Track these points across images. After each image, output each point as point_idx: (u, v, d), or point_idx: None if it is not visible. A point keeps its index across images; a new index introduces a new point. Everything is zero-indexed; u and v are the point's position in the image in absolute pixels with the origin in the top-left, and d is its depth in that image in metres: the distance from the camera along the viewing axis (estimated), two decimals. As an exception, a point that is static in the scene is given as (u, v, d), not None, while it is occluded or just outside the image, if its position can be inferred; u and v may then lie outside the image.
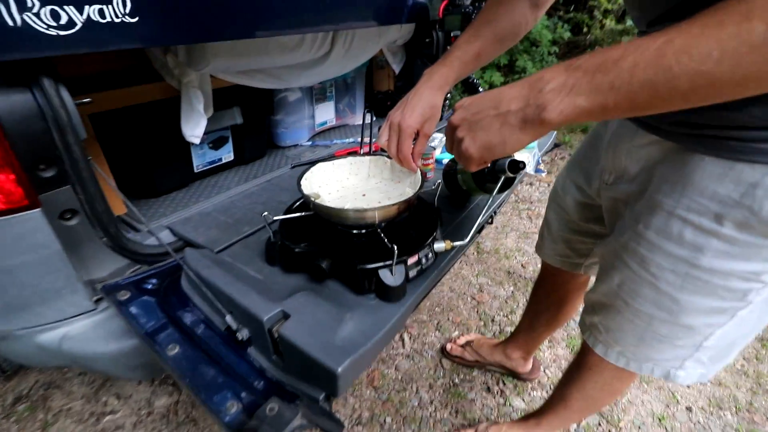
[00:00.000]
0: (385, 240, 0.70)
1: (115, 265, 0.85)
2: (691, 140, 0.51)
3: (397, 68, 1.74)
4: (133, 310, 0.74)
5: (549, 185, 2.66)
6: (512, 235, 2.16)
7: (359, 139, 1.54)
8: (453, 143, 0.54)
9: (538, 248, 1.03)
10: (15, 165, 0.65)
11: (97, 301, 0.83)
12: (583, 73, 0.39)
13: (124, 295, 0.75)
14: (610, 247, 0.66)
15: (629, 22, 4.37)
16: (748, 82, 0.34)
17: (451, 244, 0.78)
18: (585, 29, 4.66)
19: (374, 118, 1.81)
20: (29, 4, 0.59)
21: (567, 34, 4.07)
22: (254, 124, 1.28)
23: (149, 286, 0.79)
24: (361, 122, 1.78)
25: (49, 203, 0.71)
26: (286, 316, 0.64)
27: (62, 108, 0.67)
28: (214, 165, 1.23)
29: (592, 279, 0.97)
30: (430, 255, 0.76)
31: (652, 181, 0.58)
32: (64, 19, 0.62)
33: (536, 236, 2.13)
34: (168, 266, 0.85)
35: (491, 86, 3.85)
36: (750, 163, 0.46)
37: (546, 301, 1.11)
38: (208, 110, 1.04)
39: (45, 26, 0.61)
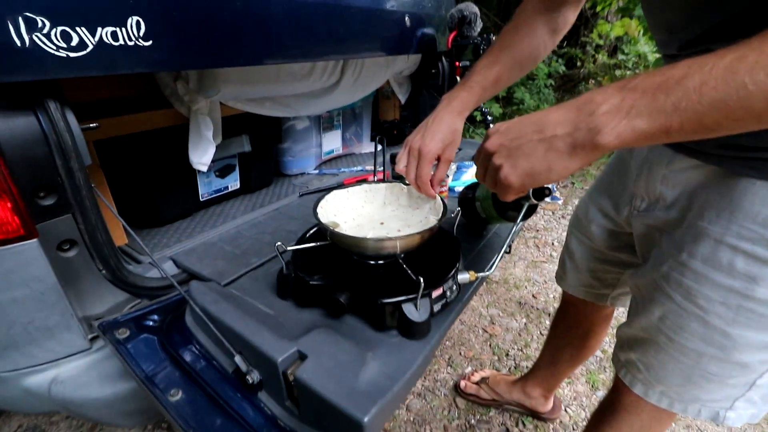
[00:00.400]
0: (409, 272, 0.65)
1: (114, 299, 0.79)
2: (740, 163, 0.48)
3: (403, 98, 1.74)
4: (132, 349, 0.68)
5: (553, 213, 2.63)
6: (520, 264, 2.11)
7: (366, 167, 1.52)
8: (487, 171, 0.50)
9: (559, 279, 0.98)
10: (13, 192, 0.61)
11: (93, 339, 0.77)
12: (642, 94, 0.36)
13: (122, 334, 0.69)
14: (648, 278, 0.62)
15: (621, 57, 4.50)
16: None
17: (476, 275, 0.73)
18: (579, 63, 4.80)
19: (384, 147, 1.80)
20: (39, 25, 0.56)
21: (562, 68, 4.19)
22: (262, 152, 1.25)
23: (150, 323, 0.73)
24: (367, 151, 1.76)
25: (47, 233, 0.66)
26: (302, 356, 0.58)
27: (67, 132, 0.64)
28: (220, 193, 1.19)
29: (619, 311, 0.92)
30: (454, 287, 0.71)
31: (694, 207, 0.54)
32: (75, 41, 0.59)
33: (545, 265, 2.10)
34: (171, 301, 0.79)
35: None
36: None
37: (568, 335, 1.05)
38: (217, 138, 1.01)
39: (54, 47, 0.58)
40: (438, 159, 0.72)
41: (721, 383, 0.57)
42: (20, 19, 0.55)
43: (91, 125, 0.73)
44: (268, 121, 1.23)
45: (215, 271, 0.82)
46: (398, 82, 1.69)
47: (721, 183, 0.50)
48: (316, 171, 1.51)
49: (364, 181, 1.30)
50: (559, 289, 0.98)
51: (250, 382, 0.61)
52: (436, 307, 0.68)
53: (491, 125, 1.31)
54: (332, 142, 1.59)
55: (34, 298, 0.66)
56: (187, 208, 1.11)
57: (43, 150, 0.63)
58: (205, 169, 0.99)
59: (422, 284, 0.62)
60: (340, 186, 1.10)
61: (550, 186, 0.78)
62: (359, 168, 1.51)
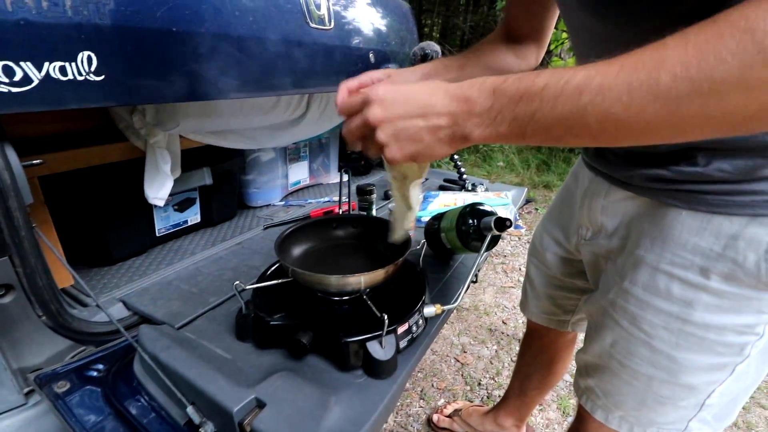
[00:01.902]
0: (373, 308, 0.64)
1: (55, 348, 0.73)
2: (666, 195, 0.51)
3: (369, 129, 1.77)
4: (73, 404, 0.62)
5: (519, 238, 2.70)
6: (489, 290, 2.13)
7: (333, 198, 1.51)
8: (367, 141, 0.48)
9: (523, 307, 0.99)
10: (-62, 236, 0.56)
11: (29, 393, 0.70)
12: (508, 101, 0.39)
13: (62, 387, 0.63)
14: (598, 305, 0.64)
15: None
16: (653, 131, 0.34)
17: (442, 308, 0.73)
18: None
19: (350, 178, 1.80)
20: (-22, 60, 0.53)
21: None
22: (224, 185, 1.22)
23: (94, 373, 0.68)
24: (334, 181, 1.76)
25: (-22, 279, 0.61)
26: (260, 404, 0.55)
27: (6, 170, 0.60)
28: (179, 228, 1.15)
29: (581, 336, 0.94)
30: (420, 321, 0.70)
31: (631, 236, 0.57)
32: (18, 76, 0.57)
33: (513, 290, 2.13)
34: (118, 347, 0.74)
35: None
36: (727, 216, 0.46)
37: (535, 362, 1.06)
38: (175, 171, 0.98)
39: (-6, 83, 0.55)
40: None
41: (674, 405, 0.58)
42: (-44, 53, 0.52)
43: (34, 162, 0.69)
44: (232, 153, 1.21)
45: (169, 312, 0.78)
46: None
47: (653, 213, 0.53)
48: (282, 202, 1.48)
49: (330, 212, 1.29)
50: None
51: (204, 435, 0.57)
52: (403, 343, 0.66)
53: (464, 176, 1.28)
54: (299, 173, 1.58)
55: (-41, 352, 0.60)
56: (142, 244, 1.05)
57: (-23, 189, 0.59)
58: (162, 204, 0.95)
59: (386, 321, 0.61)
60: (306, 218, 1.09)
61: (510, 217, 0.80)
62: (326, 199, 1.50)
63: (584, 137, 0.37)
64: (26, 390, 0.69)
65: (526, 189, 1.61)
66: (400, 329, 0.65)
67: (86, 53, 0.62)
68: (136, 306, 0.80)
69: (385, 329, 0.61)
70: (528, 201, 1.56)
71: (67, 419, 0.60)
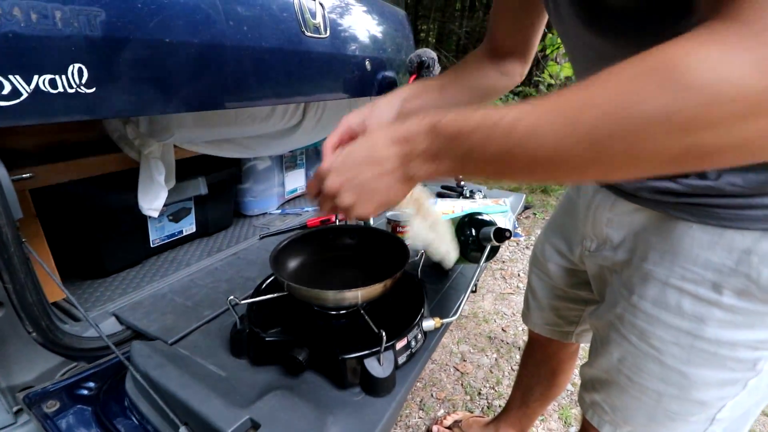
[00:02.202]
0: (371, 323, 0.62)
1: (46, 365, 0.71)
2: (675, 208, 0.50)
3: (366, 136, 1.76)
4: (63, 425, 0.60)
5: (517, 244, 2.69)
6: (489, 297, 2.11)
7: (331, 206, 1.50)
8: (335, 208, 0.50)
9: (525, 318, 0.97)
10: (-77, 254, 0.54)
11: (18, 412, 0.68)
12: (445, 140, 0.40)
13: (51, 406, 0.62)
14: (604, 319, 0.62)
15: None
16: (582, 170, 0.34)
17: (441, 321, 0.72)
18: (533, 100, 5.10)
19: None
20: (-35, 73, 0.52)
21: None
22: (220, 194, 1.21)
23: (85, 392, 0.66)
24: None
25: (-35, 296, 0.59)
26: (255, 426, 0.53)
27: (-6, 185, 0.59)
28: (174, 238, 1.13)
29: (583, 347, 0.92)
30: (419, 335, 0.69)
31: (639, 250, 0.56)
32: (6, 89, 0.55)
33: (513, 297, 2.11)
34: (110, 363, 0.72)
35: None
36: (739, 230, 0.45)
37: (537, 373, 1.04)
38: (170, 182, 0.97)
39: (-18, 96, 0.54)
40: None
41: (684, 421, 0.57)
42: (-58, 66, 0.51)
43: (23, 176, 0.68)
44: (227, 162, 1.20)
45: (162, 327, 0.76)
46: (361, 121, 1.71)
47: (662, 226, 0.52)
48: (279, 211, 1.47)
49: (327, 221, 1.28)
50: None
51: (197, 457, 0.55)
52: (401, 359, 0.65)
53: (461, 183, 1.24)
54: (295, 180, 1.57)
55: (-55, 373, 0.58)
56: (136, 256, 1.04)
57: (-36, 205, 0.57)
58: (156, 214, 0.94)
59: (384, 338, 0.59)
60: (303, 227, 1.07)
61: (509, 227, 0.79)
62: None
63: (520, 175, 0.38)
64: (15, 409, 0.68)
65: (524, 195, 1.60)
66: (399, 344, 0.64)
67: (77, 65, 0.61)
68: (128, 320, 0.79)
69: (383, 346, 0.60)
70: (526, 207, 1.56)
71: (55, 441, 0.58)
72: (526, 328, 1.87)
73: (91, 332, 0.76)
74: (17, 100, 0.57)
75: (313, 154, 1.63)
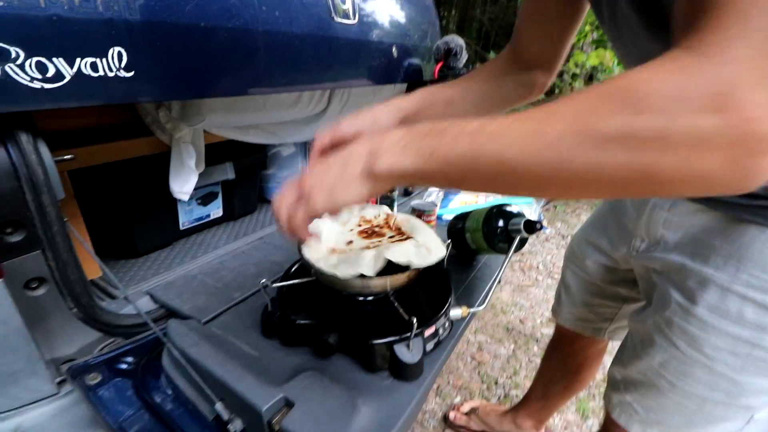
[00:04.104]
0: (401, 311, 0.63)
1: (85, 339, 0.74)
2: (748, 211, 0.48)
3: (389, 123, 1.75)
4: (105, 396, 0.63)
5: (537, 236, 2.66)
6: (507, 288, 2.10)
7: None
8: (294, 200, 0.44)
9: (555, 312, 0.96)
10: (-23, 230, 0.57)
11: (61, 383, 0.72)
12: (414, 135, 0.39)
13: (94, 379, 0.64)
14: (649, 322, 0.61)
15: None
16: (544, 183, 0.34)
17: (468, 310, 0.72)
18: (557, 90, 4.97)
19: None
20: (13, 55, 0.54)
21: (541, 95, 4.33)
22: (246, 179, 1.23)
23: (124, 366, 0.69)
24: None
25: (14, 272, 0.62)
26: (289, 404, 0.55)
27: (39, 165, 0.61)
28: (202, 222, 1.16)
29: (611, 344, 0.91)
30: (447, 324, 0.69)
31: (697, 253, 0.53)
32: (51, 72, 0.57)
33: (531, 289, 2.10)
34: (146, 340, 0.75)
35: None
36: None
37: (562, 368, 1.04)
38: (200, 166, 0.98)
39: (29, 79, 0.55)
40: None
41: (722, 422, 0.56)
42: (-8, 49, 0.52)
43: (65, 157, 0.70)
44: (253, 148, 1.21)
45: (195, 307, 0.78)
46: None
47: (728, 229, 0.50)
48: (302, 197, 1.48)
49: (350, 208, 1.28)
50: (546, 314, 0.97)
51: (232, 431, 0.57)
52: (429, 346, 0.65)
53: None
54: (318, 167, 1.58)
55: (-4, 343, 0.61)
56: (167, 238, 1.07)
57: (12, 184, 0.59)
58: (186, 198, 0.96)
59: (415, 324, 0.60)
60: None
61: (541, 221, 0.78)
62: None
63: (479, 182, 0.37)
64: (58, 380, 0.71)
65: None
66: (427, 332, 0.65)
67: (117, 49, 0.62)
68: (162, 299, 0.81)
69: (414, 332, 0.60)
70: (548, 201, 1.53)
71: (99, 411, 0.61)
72: (543, 320, 1.86)
73: (127, 309, 0.79)
74: (60, 83, 0.58)
75: (335, 140, 1.63)
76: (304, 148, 1.47)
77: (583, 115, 0.30)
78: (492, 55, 3.88)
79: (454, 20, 5.72)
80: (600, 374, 1.45)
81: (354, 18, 1.07)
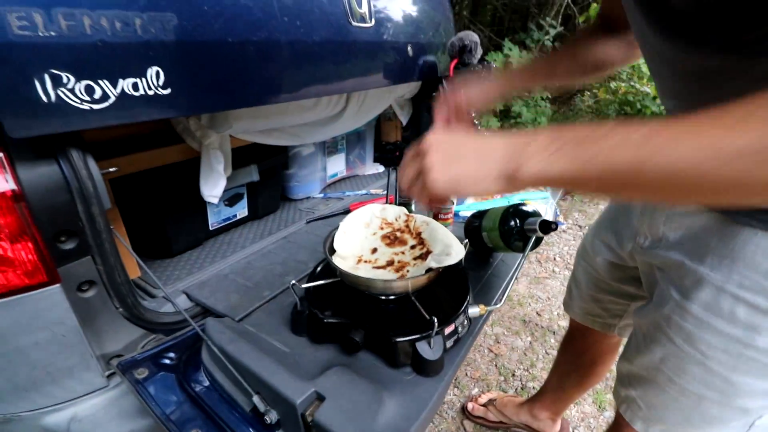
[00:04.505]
0: (422, 310, 0.67)
1: (130, 336, 0.80)
2: (743, 214, 0.49)
3: (404, 120, 1.77)
4: (152, 389, 0.69)
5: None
6: (523, 280, 2.12)
7: (371, 191, 1.54)
8: (415, 171, 0.48)
9: (567, 306, 0.99)
10: (37, 240, 0.63)
11: (110, 376, 0.78)
12: (568, 141, 0.39)
13: (141, 374, 0.71)
14: (650, 318, 0.63)
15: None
16: (715, 193, 0.33)
17: (486, 308, 0.75)
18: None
19: (385, 169, 1.83)
20: (64, 80, 0.59)
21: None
22: (269, 180, 1.28)
23: (167, 361, 0.75)
24: (370, 172, 1.79)
25: (68, 276, 0.68)
26: (320, 398, 0.60)
27: (89, 179, 0.66)
28: (229, 222, 1.21)
29: (624, 340, 0.93)
30: (465, 322, 0.73)
31: (695, 252, 0.55)
32: (98, 94, 0.62)
33: (548, 281, 2.12)
34: (186, 336, 0.81)
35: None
36: None
37: (576, 361, 1.06)
38: (227, 170, 1.03)
39: (78, 101, 0.60)
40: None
41: (720, 425, 0.58)
42: (46, 76, 0.57)
43: (110, 170, 0.76)
44: (276, 150, 1.26)
45: (229, 305, 0.84)
46: (400, 105, 1.72)
47: (724, 230, 0.51)
48: (321, 195, 1.53)
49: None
50: (563, 306, 0.99)
51: (268, 422, 0.62)
52: (449, 343, 0.69)
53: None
54: (336, 165, 1.62)
55: (56, 341, 0.68)
56: (198, 238, 1.13)
57: (65, 197, 0.65)
58: (216, 201, 1.01)
59: (436, 323, 0.64)
60: (347, 212, 1.12)
61: (551, 215, 0.80)
62: (363, 192, 1.53)
63: (642, 191, 0.37)
64: (107, 373, 0.77)
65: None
66: (447, 330, 0.68)
67: (155, 69, 0.66)
68: (198, 298, 0.87)
69: (434, 330, 0.64)
70: (566, 193, 1.54)
71: (147, 402, 0.67)
72: (560, 312, 1.88)
73: (165, 308, 0.85)
74: (106, 103, 0.63)
75: (353, 138, 1.66)
76: (323, 146, 1.51)
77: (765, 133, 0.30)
78: (506, 42, 3.82)
79: (468, 6, 5.63)
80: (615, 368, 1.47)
81: (370, 21, 1.09)
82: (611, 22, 0.72)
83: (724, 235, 0.51)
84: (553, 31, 4.10)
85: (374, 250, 0.80)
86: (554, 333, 1.75)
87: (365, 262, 0.77)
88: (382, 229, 0.85)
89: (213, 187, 0.99)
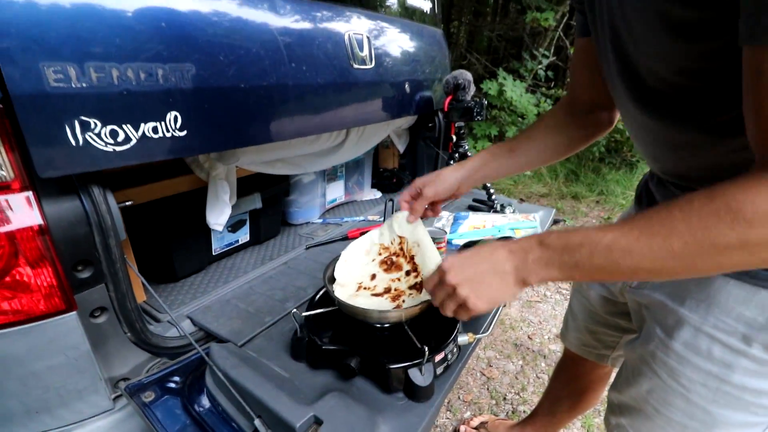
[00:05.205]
0: (414, 339, 0.72)
1: (136, 360, 0.84)
2: None
3: (401, 148, 1.85)
4: (159, 413, 0.73)
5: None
6: (515, 304, 2.16)
7: (368, 218, 1.60)
8: (449, 299, 0.59)
9: (563, 336, 1.03)
10: (57, 270, 0.67)
11: (116, 398, 0.82)
12: (554, 251, 0.50)
13: (149, 397, 0.74)
14: (638, 352, 0.68)
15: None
16: (674, 275, 0.45)
17: (474, 336, 0.80)
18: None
19: (382, 195, 1.89)
20: (92, 126, 0.65)
21: (549, 108, 4.39)
22: (271, 206, 1.33)
23: (173, 385, 0.78)
24: (368, 198, 1.85)
25: (83, 303, 0.73)
26: (318, 421, 0.64)
27: (108, 213, 0.71)
28: (231, 247, 1.26)
29: (615, 370, 0.97)
30: (455, 350, 0.78)
31: (677, 294, 0.60)
32: (121, 137, 0.68)
33: (540, 305, 2.16)
34: (189, 360, 0.84)
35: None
36: None
37: (567, 388, 1.10)
38: (233, 199, 1.09)
39: (103, 143, 0.67)
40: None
41: None
42: (76, 122, 0.63)
43: (127, 203, 0.81)
44: (279, 178, 1.32)
45: (232, 330, 0.88)
46: (397, 134, 1.80)
47: (701, 277, 0.56)
48: (320, 220, 1.58)
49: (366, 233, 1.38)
50: (554, 330, 1.04)
51: (269, 444, 0.66)
52: (439, 370, 0.74)
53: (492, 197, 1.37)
54: (335, 191, 1.68)
55: (69, 365, 0.72)
56: (201, 262, 1.17)
57: (85, 229, 0.70)
58: (221, 228, 1.06)
59: (427, 352, 0.68)
60: (345, 238, 1.17)
61: None
62: (361, 218, 1.59)
63: (616, 279, 0.48)
64: (113, 396, 0.81)
65: (554, 210, 1.65)
66: (437, 357, 0.73)
67: (173, 113, 0.73)
68: (202, 323, 0.91)
69: (425, 358, 0.69)
70: (556, 221, 1.60)
71: (154, 425, 0.70)
72: (551, 336, 1.92)
73: (171, 332, 0.90)
74: (128, 145, 0.69)
75: (352, 166, 1.73)
76: (323, 173, 1.57)
77: (703, 232, 0.40)
78: (501, 71, 3.97)
79: (464, 36, 5.84)
80: (605, 395, 1.51)
81: (371, 63, 1.17)
82: (581, 101, 0.79)
83: (701, 281, 0.57)
84: (545, 61, 4.26)
85: (373, 277, 0.85)
86: (545, 357, 1.79)
87: (365, 288, 0.82)
88: (380, 254, 0.89)
89: (219, 216, 1.05)
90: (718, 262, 0.41)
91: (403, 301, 0.79)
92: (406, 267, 0.87)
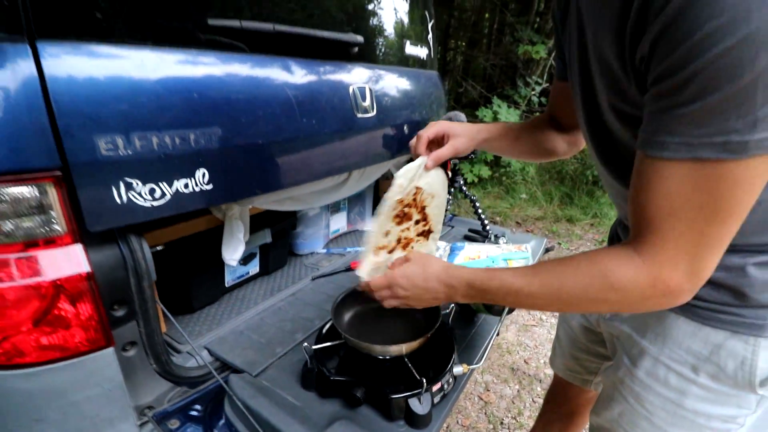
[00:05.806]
0: (414, 371, 0.80)
1: (161, 389, 0.92)
2: None
3: (401, 180, 1.96)
4: (183, 439, 0.81)
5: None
6: (512, 328, 2.24)
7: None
8: (395, 302, 0.77)
9: (551, 362, 1.12)
10: (100, 310, 0.76)
11: (142, 425, 0.89)
12: (477, 292, 0.66)
13: (174, 424, 0.82)
14: (611, 378, 0.77)
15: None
16: (558, 310, 0.72)
17: (468, 367, 0.88)
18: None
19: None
20: (134, 186, 0.75)
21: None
22: (280, 240, 1.43)
23: (195, 413, 0.86)
24: (369, 227, 1.95)
25: (117, 339, 0.81)
26: (328, 447, 0.72)
27: (143, 260, 0.81)
28: (242, 278, 1.35)
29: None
30: (451, 380, 0.86)
31: (640, 327, 0.70)
32: (158, 194, 0.78)
33: (536, 329, 2.24)
34: (208, 389, 0.92)
35: (480, 179, 4.18)
36: (714, 328, 0.60)
37: (557, 411, 1.18)
38: (246, 236, 1.19)
39: (143, 200, 0.76)
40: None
41: None
42: (121, 183, 0.73)
43: (157, 248, 0.90)
44: (287, 214, 1.42)
45: (246, 361, 0.96)
46: (397, 167, 1.91)
47: (658, 312, 0.66)
48: (324, 250, 1.68)
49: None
50: (549, 354, 1.12)
51: (284, 468, 0.74)
52: (436, 399, 0.82)
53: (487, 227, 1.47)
54: (338, 222, 1.78)
55: (104, 395, 0.80)
56: (216, 294, 1.26)
57: (122, 273, 0.80)
58: (235, 264, 1.16)
59: (425, 383, 0.77)
60: (348, 269, 1.26)
61: None
62: (363, 248, 1.68)
63: (526, 309, 0.62)
64: (140, 423, 0.89)
65: (545, 240, 1.75)
66: (435, 387, 0.82)
67: (202, 170, 0.83)
68: (219, 354, 1.00)
69: (424, 389, 0.78)
70: (547, 250, 1.69)
71: (180, 452, 0.78)
72: (546, 360, 1.98)
73: (190, 363, 0.98)
74: (164, 200, 0.79)
75: (354, 198, 1.84)
76: (328, 206, 1.67)
77: (582, 288, 0.55)
78: (495, 99, 4.13)
79: (460, 63, 6.05)
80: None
81: (373, 111, 1.28)
82: (561, 123, 0.91)
83: (658, 316, 0.66)
84: (538, 88, 4.43)
85: (387, 233, 0.89)
86: (540, 381, 1.85)
87: (380, 248, 0.88)
88: (393, 210, 0.89)
89: (234, 252, 1.14)
90: (587, 308, 0.65)
91: (412, 248, 0.86)
92: (416, 216, 0.90)
